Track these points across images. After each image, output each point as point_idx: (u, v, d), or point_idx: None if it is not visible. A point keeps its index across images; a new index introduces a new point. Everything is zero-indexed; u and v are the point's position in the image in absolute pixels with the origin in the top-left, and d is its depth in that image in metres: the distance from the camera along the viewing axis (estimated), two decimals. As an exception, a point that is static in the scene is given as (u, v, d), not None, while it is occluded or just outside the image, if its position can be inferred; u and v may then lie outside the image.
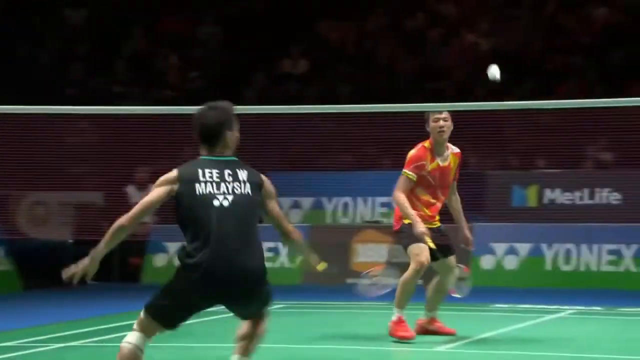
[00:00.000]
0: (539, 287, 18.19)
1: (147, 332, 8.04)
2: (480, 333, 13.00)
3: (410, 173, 12.11)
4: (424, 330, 12.38)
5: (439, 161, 12.24)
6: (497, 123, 19.86)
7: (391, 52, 24.80)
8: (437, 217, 12.44)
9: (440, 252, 11.93)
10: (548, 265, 18.87)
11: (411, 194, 12.16)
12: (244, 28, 26.48)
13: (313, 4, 26.24)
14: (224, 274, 7.81)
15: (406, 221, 12.10)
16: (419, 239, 11.89)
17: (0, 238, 19.49)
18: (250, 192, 8.04)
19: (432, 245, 11.77)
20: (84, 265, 7.95)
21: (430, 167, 12.15)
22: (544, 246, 18.93)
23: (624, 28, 23.73)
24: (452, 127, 12.46)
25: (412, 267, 11.91)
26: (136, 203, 22.29)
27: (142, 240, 20.24)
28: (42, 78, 24.98)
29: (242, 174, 8.12)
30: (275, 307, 8.65)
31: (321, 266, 8.34)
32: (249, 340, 8.13)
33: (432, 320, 12.49)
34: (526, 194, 19.92)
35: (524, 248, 19.04)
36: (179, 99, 23.30)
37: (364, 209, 20.61)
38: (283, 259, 19.50)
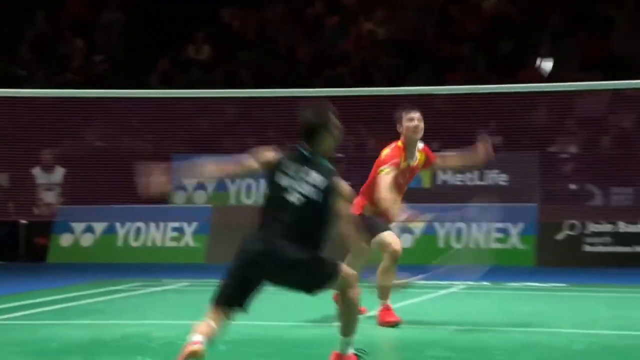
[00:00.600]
0: (431, 264, 18.04)
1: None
2: (378, 307, 12.65)
3: (390, 168, 11.82)
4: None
5: (409, 161, 12.11)
6: (392, 107, 20.11)
7: (291, 38, 24.85)
8: None
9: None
10: (440, 243, 18.98)
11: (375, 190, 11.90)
12: (148, 14, 26.40)
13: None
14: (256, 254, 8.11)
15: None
16: (384, 228, 11.81)
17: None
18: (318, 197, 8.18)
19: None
20: (161, 180, 8.35)
21: (402, 166, 11.96)
22: (435, 225, 19.02)
23: (511, 19, 24.01)
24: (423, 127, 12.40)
25: (388, 257, 11.70)
26: (42, 184, 22.18)
27: (48, 220, 20.21)
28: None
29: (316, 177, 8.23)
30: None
31: None
32: (340, 319, 8.41)
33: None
34: (420, 176, 20.05)
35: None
36: (83, 83, 23.24)
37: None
38: (188, 238, 19.51)
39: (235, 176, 8.23)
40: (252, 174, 8.60)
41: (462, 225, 19.04)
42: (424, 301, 14.14)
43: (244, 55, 24.57)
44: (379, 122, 20.49)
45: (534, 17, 23.78)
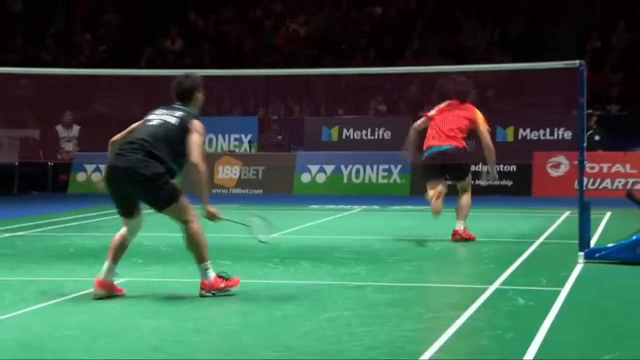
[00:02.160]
0: (339, 194, 18.16)
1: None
2: (300, 225, 13.02)
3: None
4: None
5: None
6: (311, 85, 20.25)
7: (240, 35, 24.78)
8: None
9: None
10: (345, 180, 18.99)
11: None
12: (137, 15, 26.19)
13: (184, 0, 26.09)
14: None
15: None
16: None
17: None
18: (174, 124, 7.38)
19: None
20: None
21: None
22: (342, 167, 19.02)
23: (393, 21, 24.13)
24: None
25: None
26: (63, 138, 21.86)
27: (68, 162, 20.12)
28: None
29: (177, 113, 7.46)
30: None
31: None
32: (190, 250, 7.40)
33: None
34: (331, 132, 20.09)
35: (329, 168, 19.03)
36: (90, 65, 23.00)
37: (223, 143, 20.42)
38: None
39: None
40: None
41: (359, 166, 18.97)
42: (333, 219, 14.17)
43: (206, 46, 24.47)
44: (302, 95, 20.67)
45: (408, 20, 23.92)
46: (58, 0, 26.76)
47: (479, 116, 11.08)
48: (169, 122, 7.42)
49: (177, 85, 7.67)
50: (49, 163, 20.14)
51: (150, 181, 7.22)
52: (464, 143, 11.17)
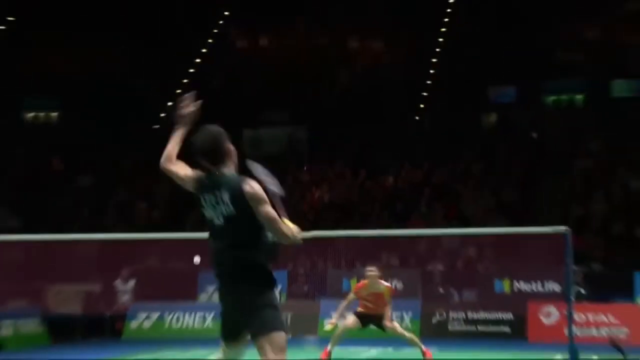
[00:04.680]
0: (358, 338, 17.38)
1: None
2: None
3: None
4: None
5: None
6: (333, 243, 19.81)
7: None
8: None
9: None
10: None
11: None
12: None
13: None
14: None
15: None
16: None
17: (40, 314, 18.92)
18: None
19: None
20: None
21: None
22: None
23: (403, 189, 24.24)
24: None
25: None
26: (121, 291, 21.34)
27: (124, 312, 19.71)
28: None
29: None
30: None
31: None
32: None
33: None
34: (350, 283, 19.28)
35: (349, 314, 18.58)
36: (145, 229, 23.06)
37: None
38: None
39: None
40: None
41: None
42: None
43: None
44: (325, 251, 20.40)
45: (415, 189, 23.94)
46: (121, 176, 27.08)
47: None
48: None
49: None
50: (107, 313, 19.89)
51: None
52: None
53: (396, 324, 13.19)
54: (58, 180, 27.30)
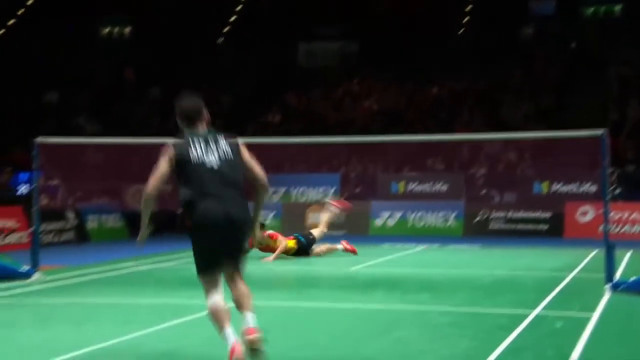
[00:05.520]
0: (406, 235, 17.75)
1: (213, 286, 5.27)
2: (375, 260, 12.73)
3: None
4: None
5: None
6: (383, 148, 19.85)
7: (325, 110, 24.68)
8: None
9: None
10: (410, 224, 18.61)
11: None
12: (246, 96, 26.49)
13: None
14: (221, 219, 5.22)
15: None
16: None
17: (120, 210, 19.32)
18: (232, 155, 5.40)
19: None
20: (142, 233, 5.51)
21: None
22: (407, 213, 18.69)
23: (447, 98, 23.83)
24: None
25: None
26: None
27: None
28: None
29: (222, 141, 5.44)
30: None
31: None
32: (247, 298, 5.24)
33: None
34: (398, 186, 19.68)
35: (397, 215, 18.74)
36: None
37: (312, 194, 19.96)
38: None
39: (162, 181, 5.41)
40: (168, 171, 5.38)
41: (421, 213, 18.67)
42: (401, 256, 13.87)
43: (299, 119, 24.36)
44: (375, 157, 20.33)
45: (458, 98, 23.56)
46: (186, 87, 27.18)
47: None
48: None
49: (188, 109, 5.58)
50: (178, 210, 20.27)
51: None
52: None
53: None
54: (132, 90, 27.56)
